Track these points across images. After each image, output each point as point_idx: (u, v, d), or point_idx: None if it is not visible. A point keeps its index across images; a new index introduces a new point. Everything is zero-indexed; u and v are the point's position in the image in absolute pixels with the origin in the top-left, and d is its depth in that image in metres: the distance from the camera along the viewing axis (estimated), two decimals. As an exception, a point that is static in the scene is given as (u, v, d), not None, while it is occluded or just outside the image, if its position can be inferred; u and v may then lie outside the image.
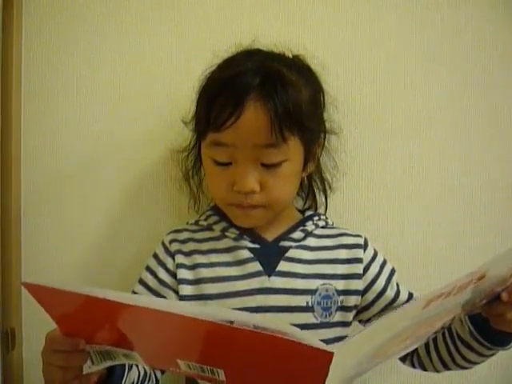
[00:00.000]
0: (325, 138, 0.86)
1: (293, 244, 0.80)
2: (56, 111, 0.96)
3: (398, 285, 0.83)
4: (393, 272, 0.83)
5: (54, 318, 0.58)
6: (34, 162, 0.96)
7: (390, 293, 0.81)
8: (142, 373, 0.75)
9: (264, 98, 0.71)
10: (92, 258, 0.98)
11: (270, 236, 0.81)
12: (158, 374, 0.80)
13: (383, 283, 0.81)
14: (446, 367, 0.78)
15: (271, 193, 0.75)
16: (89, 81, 0.96)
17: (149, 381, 0.77)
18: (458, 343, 0.74)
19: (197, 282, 0.78)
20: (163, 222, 0.96)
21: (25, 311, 0.96)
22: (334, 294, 0.78)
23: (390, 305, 0.81)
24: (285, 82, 0.73)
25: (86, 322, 0.58)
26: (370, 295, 0.81)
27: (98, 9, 0.95)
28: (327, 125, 0.87)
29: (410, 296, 0.82)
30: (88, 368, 0.62)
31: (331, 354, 0.45)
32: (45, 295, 0.56)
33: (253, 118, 0.71)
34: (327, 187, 0.93)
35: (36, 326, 0.96)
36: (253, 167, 0.74)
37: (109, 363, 0.63)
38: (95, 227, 0.97)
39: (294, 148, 0.75)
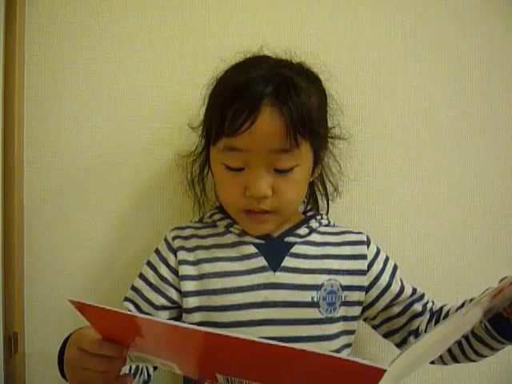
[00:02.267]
0: (328, 142, 0.87)
1: (298, 240, 0.81)
2: (59, 116, 0.96)
3: (401, 280, 0.83)
4: (396, 267, 0.84)
5: (97, 330, 0.58)
6: (36, 166, 0.97)
7: (395, 287, 0.81)
8: (133, 366, 0.74)
9: (279, 104, 0.72)
10: (95, 262, 0.97)
11: (274, 233, 0.81)
12: (151, 369, 0.79)
13: (388, 278, 0.81)
14: (455, 360, 0.78)
15: (282, 197, 0.75)
16: (92, 85, 0.96)
17: (140, 375, 0.76)
18: (471, 338, 0.74)
19: (200, 277, 0.78)
20: (167, 226, 0.95)
21: (27, 315, 0.96)
22: (338, 290, 0.78)
23: (395, 299, 0.81)
24: (297, 88, 0.74)
25: (127, 337, 0.57)
26: (375, 291, 0.81)
27: (101, 14, 0.96)
28: (335, 130, 0.88)
29: (414, 291, 0.83)
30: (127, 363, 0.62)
31: (382, 372, 0.44)
32: (88, 311, 0.56)
33: (268, 122, 0.71)
34: (333, 191, 0.93)
35: (38, 331, 0.96)
36: (266, 172, 0.74)
37: (146, 364, 0.63)
38: (98, 231, 0.97)
39: (305, 153, 0.75)
